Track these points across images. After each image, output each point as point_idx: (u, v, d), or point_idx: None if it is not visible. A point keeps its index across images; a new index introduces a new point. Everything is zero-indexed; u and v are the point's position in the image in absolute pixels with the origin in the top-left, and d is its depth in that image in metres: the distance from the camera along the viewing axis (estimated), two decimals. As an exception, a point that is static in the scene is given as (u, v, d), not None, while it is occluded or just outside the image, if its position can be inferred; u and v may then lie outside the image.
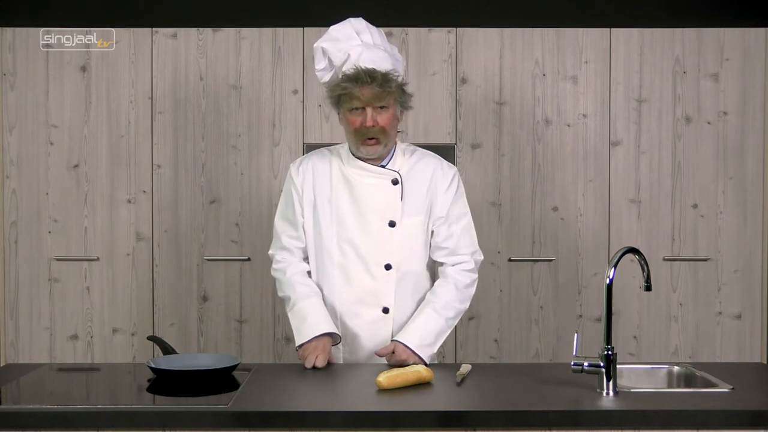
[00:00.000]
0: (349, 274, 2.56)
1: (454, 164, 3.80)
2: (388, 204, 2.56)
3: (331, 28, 2.55)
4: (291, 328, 3.84)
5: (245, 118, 3.88)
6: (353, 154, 2.59)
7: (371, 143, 2.51)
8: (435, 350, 2.53)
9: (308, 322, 2.51)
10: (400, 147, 2.64)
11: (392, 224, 2.56)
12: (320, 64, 2.54)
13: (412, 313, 2.57)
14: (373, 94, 2.45)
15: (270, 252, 2.71)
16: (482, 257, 2.68)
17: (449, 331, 2.57)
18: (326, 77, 2.55)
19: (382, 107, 2.48)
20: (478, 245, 2.67)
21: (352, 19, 2.57)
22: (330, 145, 2.72)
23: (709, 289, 3.90)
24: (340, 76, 2.48)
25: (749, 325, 3.90)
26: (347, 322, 2.59)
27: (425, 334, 2.50)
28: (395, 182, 2.57)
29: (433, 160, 2.65)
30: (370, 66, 2.45)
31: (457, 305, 2.57)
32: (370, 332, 2.58)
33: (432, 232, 2.60)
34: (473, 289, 2.63)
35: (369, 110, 2.47)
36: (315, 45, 2.55)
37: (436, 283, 2.61)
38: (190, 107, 3.88)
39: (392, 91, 2.47)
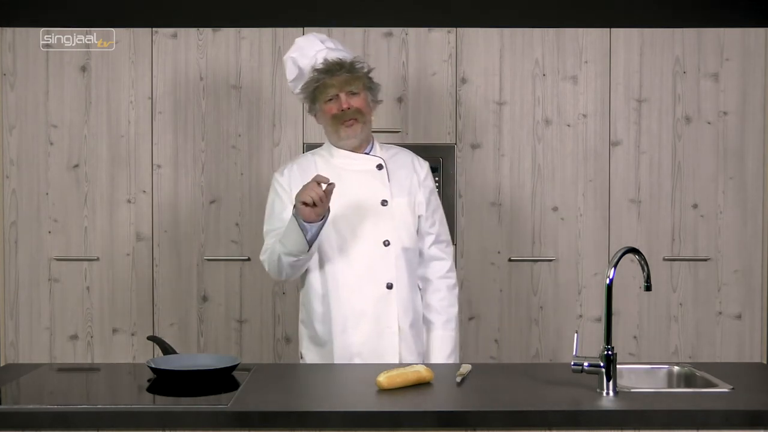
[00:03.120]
0: (349, 254, 2.63)
1: (454, 164, 3.85)
2: (378, 185, 2.69)
3: (297, 40, 2.74)
4: (291, 325, 3.86)
5: (245, 118, 3.88)
6: (335, 147, 2.73)
7: (350, 124, 2.65)
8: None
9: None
10: (378, 143, 2.79)
11: (384, 203, 2.67)
12: (292, 74, 2.72)
13: (411, 290, 2.70)
14: (344, 80, 2.63)
15: (260, 257, 2.71)
16: (453, 250, 2.88)
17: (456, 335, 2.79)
18: (298, 88, 2.73)
19: (353, 93, 2.65)
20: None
21: (314, 32, 2.77)
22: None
23: (709, 289, 3.90)
24: (312, 74, 2.66)
25: (749, 325, 3.90)
26: (353, 302, 2.63)
27: (445, 356, 2.75)
28: (380, 167, 2.71)
29: (409, 154, 2.83)
30: (337, 59, 2.66)
31: (453, 311, 2.79)
32: (376, 310, 2.64)
33: (419, 218, 2.74)
34: (458, 288, 2.83)
35: (342, 95, 2.65)
36: (284, 57, 2.74)
37: (430, 298, 2.76)
38: (190, 107, 3.88)
39: (361, 76, 2.67)
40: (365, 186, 2.68)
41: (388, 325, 2.64)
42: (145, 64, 3.87)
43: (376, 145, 2.77)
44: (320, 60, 2.65)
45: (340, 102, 2.64)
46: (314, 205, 2.43)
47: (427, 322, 2.75)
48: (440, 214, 2.81)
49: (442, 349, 2.73)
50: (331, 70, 2.63)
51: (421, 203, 2.74)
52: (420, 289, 2.77)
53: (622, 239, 3.87)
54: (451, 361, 2.73)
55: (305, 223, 2.48)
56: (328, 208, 2.50)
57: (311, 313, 2.70)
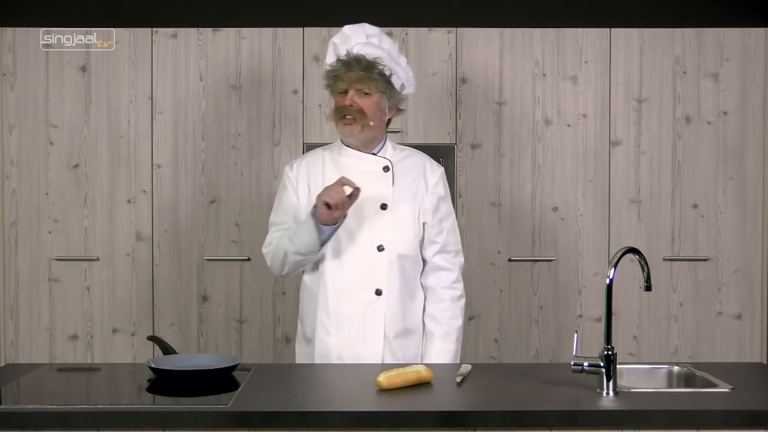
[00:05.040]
0: (342, 257, 2.57)
1: (454, 164, 3.84)
2: (380, 188, 2.62)
3: (345, 27, 2.68)
4: (290, 325, 3.86)
5: (245, 118, 3.88)
6: (344, 144, 2.68)
7: (348, 122, 2.58)
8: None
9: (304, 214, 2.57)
10: (391, 144, 2.72)
11: (384, 207, 2.61)
12: (331, 58, 2.67)
13: (405, 298, 2.62)
14: (356, 77, 2.57)
15: (263, 249, 2.69)
16: (463, 260, 2.73)
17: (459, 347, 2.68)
18: None
19: (365, 93, 2.58)
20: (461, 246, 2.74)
21: (366, 24, 2.70)
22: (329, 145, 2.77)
23: (709, 289, 3.90)
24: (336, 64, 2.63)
25: (749, 325, 3.90)
26: (339, 306, 2.59)
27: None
28: (386, 169, 2.64)
29: (423, 157, 2.73)
30: (359, 54, 2.59)
31: (455, 323, 2.66)
32: (363, 315, 2.58)
33: (423, 225, 2.65)
34: (464, 300, 2.70)
35: (351, 91, 2.58)
36: (331, 40, 2.69)
37: (432, 308, 2.66)
38: (190, 107, 3.88)
39: (375, 77, 2.58)
40: (367, 188, 2.59)
41: (372, 331, 2.58)
42: (145, 64, 3.87)
43: (388, 146, 2.69)
44: (353, 53, 2.60)
45: (347, 98, 2.59)
46: (335, 208, 2.43)
47: (427, 332, 2.65)
48: (450, 222, 2.68)
49: (439, 361, 2.60)
50: (348, 64, 2.58)
51: (427, 210, 2.64)
52: (425, 299, 2.68)
53: (622, 239, 3.87)
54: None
55: (321, 225, 2.47)
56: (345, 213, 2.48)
57: (303, 311, 2.70)
